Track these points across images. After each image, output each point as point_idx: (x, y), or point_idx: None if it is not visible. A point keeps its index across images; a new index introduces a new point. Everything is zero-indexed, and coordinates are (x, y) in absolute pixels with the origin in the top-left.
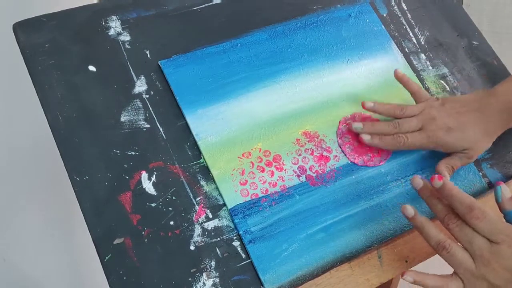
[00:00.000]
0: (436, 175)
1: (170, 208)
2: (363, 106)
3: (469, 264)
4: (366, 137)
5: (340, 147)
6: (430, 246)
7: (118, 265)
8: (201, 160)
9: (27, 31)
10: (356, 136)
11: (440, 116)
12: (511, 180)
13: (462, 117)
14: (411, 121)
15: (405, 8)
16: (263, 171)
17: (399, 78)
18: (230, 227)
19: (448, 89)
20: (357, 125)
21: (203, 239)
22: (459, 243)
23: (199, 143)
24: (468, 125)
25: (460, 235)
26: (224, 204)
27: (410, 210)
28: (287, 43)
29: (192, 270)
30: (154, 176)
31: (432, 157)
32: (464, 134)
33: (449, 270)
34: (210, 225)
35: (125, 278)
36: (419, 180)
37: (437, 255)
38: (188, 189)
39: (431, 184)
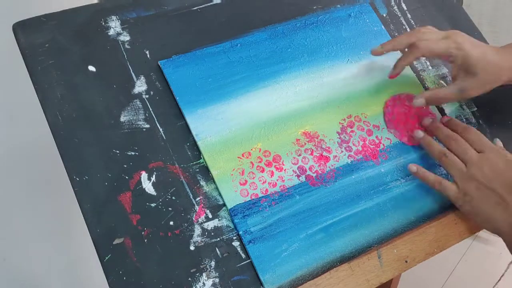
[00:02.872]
0: (446, 117)
1: (170, 208)
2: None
3: (461, 166)
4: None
5: (389, 131)
6: (433, 156)
7: (117, 265)
8: (201, 160)
9: (27, 31)
10: (400, 116)
11: (467, 36)
12: None
13: (487, 48)
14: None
15: (405, 8)
16: (263, 171)
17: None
18: (230, 227)
19: None
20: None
21: (203, 239)
22: None
23: (198, 143)
24: (491, 53)
25: (456, 148)
26: (224, 204)
27: (420, 133)
28: (287, 43)
29: (192, 270)
30: (154, 176)
31: (432, 157)
32: (487, 56)
33: (449, 268)
34: (210, 225)
35: (124, 278)
36: (420, 133)
37: (436, 255)
38: (188, 189)
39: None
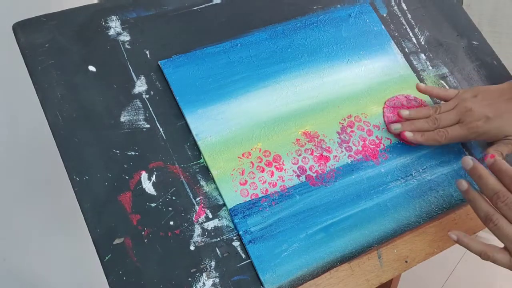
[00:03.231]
0: (489, 154)
1: (170, 208)
2: (398, 115)
3: None
4: (409, 134)
5: (389, 130)
6: (479, 218)
7: (118, 265)
8: (201, 160)
9: (27, 31)
10: (399, 115)
11: (476, 107)
12: None
13: (497, 106)
14: (449, 115)
15: (405, 8)
16: (263, 171)
17: (423, 91)
18: (230, 227)
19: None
20: (396, 126)
21: (203, 239)
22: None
23: (199, 143)
24: (505, 112)
25: (507, 212)
26: (224, 204)
27: (464, 184)
28: (287, 43)
29: (192, 270)
30: (154, 176)
31: (432, 157)
32: (503, 122)
33: (449, 268)
34: (210, 225)
35: (125, 278)
36: (469, 160)
37: (436, 255)
38: (188, 189)
39: (484, 162)
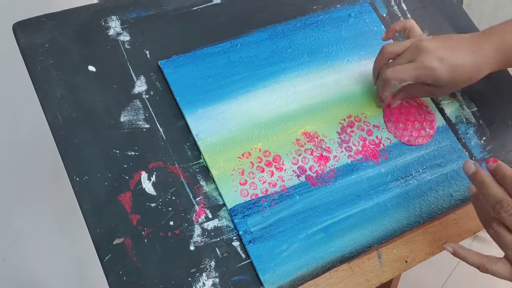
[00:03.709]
0: (491, 159)
1: (170, 208)
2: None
3: None
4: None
5: (389, 131)
6: (480, 221)
7: (117, 265)
8: (201, 160)
9: (27, 31)
10: (400, 116)
11: (432, 46)
12: None
13: (455, 51)
14: (401, 58)
15: (405, 8)
16: (263, 171)
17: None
18: (230, 227)
19: None
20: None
21: (203, 239)
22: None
23: (198, 143)
24: (460, 57)
25: (507, 218)
26: (224, 204)
27: (471, 188)
28: (287, 43)
29: (192, 270)
30: (154, 176)
31: (432, 157)
32: (457, 66)
33: (449, 268)
34: (209, 225)
35: (124, 278)
36: (471, 165)
37: (436, 255)
38: (187, 189)
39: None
